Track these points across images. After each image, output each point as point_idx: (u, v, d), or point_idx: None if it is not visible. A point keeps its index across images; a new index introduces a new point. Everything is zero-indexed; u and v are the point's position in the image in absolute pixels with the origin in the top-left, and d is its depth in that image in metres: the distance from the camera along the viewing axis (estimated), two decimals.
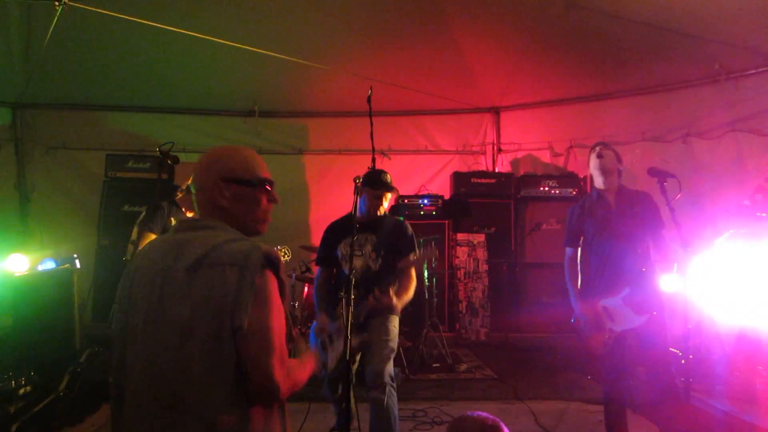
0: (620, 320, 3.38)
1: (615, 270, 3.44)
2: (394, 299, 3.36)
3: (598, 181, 3.58)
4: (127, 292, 1.71)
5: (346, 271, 3.40)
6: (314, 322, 3.59)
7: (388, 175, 3.73)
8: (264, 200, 1.83)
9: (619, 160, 3.58)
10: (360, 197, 3.45)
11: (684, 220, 3.01)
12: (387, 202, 3.71)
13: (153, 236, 3.94)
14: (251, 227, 1.82)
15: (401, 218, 3.87)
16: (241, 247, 1.63)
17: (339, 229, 3.77)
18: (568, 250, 3.78)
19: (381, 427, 3.34)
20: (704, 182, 5.97)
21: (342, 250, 3.66)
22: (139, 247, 4.04)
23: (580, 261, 3.73)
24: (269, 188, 1.84)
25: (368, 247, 3.63)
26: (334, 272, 3.82)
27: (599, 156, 3.56)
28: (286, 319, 1.72)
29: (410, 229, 3.77)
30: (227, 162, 1.79)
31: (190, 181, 1.85)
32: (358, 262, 3.54)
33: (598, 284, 3.52)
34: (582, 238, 3.71)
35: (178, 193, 4.30)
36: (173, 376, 1.55)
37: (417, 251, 3.68)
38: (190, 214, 4.26)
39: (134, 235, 4.06)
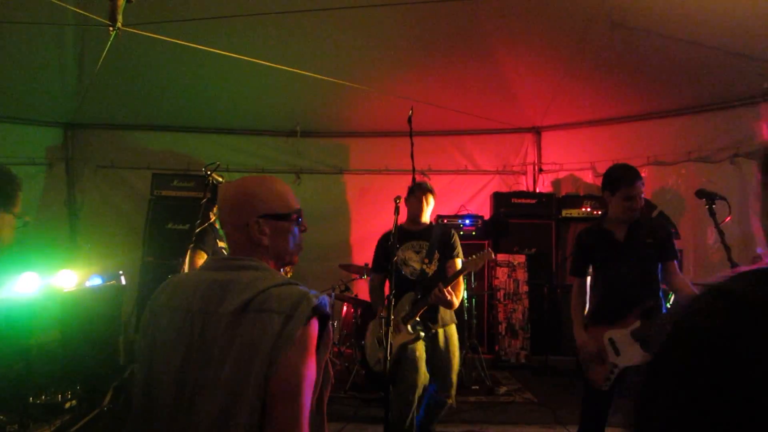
0: (626, 356, 3.21)
1: (625, 301, 3.27)
2: (455, 299, 3.80)
3: (625, 215, 3.37)
4: (152, 334, 1.65)
5: (406, 273, 3.96)
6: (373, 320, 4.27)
7: (428, 183, 4.11)
8: (298, 232, 1.82)
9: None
10: (406, 207, 4.04)
11: (733, 242, 2.92)
12: (429, 207, 4.06)
13: (205, 256, 4.11)
14: (287, 259, 1.81)
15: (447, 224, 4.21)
16: (291, 293, 1.58)
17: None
18: (576, 280, 3.60)
19: (436, 412, 4.07)
20: (754, 204, 5.79)
21: (400, 255, 3.99)
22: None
23: (589, 288, 3.56)
24: (301, 218, 1.83)
25: (422, 253, 4.00)
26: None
27: (634, 198, 3.31)
28: (326, 368, 1.68)
29: (455, 235, 4.13)
30: (263, 198, 1.75)
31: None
32: (416, 266, 3.98)
33: (606, 315, 3.35)
34: (591, 266, 3.55)
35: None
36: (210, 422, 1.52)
37: (462, 255, 4.04)
38: None
39: (189, 255, 4.17)
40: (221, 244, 4.26)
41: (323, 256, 7.13)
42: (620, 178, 3.33)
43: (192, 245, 4.05)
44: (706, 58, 5.34)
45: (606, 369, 3.26)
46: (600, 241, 3.45)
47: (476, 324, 6.41)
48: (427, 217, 4.09)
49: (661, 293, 3.33)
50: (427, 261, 3.97)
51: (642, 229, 3.36)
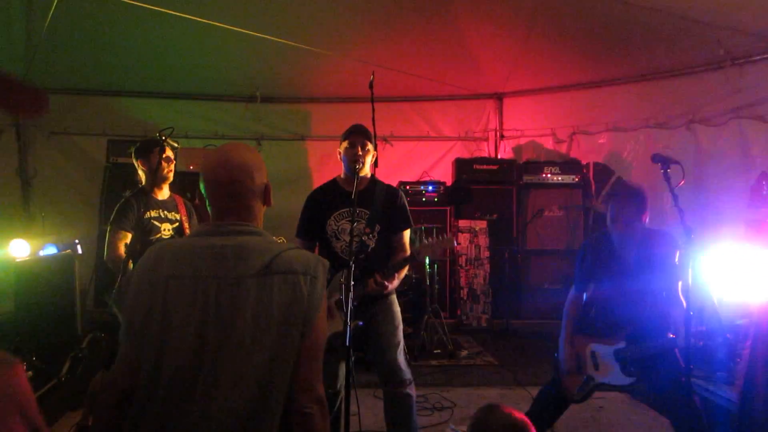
0: (604, 372, 3.23)
1: (616, 318, 3.27)
2: (396, 282, 3.25)
3: (614, 228, 3.35)
4: (160, 304, 1.60)
5: (337, 249, 3.28)
6: None
7: (364, 126, 3.37)
8: None
9: (643, 208, 3.25)
10: (342, 157, 3.35)
11: (687, 206, 2.97)
12: (369, 157, 3.30)
13: (129, 235, 3.64)
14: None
15: (392, 187, 3.50)
16: (306, 256, 1.69)
17: (325, 200, 3.37)
18: (574, 293, 3.53)
19: (404, 418, 3.28)
20: (708, 169, 5.94)
21: (332, 225, 3.30)
22: (118, 250, 3.65)
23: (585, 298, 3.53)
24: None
25: (361, 223, 3.27)
26: (316, 246, 3.48)
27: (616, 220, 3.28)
28: None
29: (403, 198, 3.45)
30: (261, 165, 1.81)
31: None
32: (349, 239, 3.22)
33: (595, 326, 3.37)
34: (591, 282, 3.47)
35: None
36: (245, 384, 1.54)
37: (412, 223, 3.45)
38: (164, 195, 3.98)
39: (108, 236, 3.69)
40: (153, 213, 3.86)
41: (285, 224, 7.03)
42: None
43: (111, 225, 3.68)
44: (664, 24, 5.38)
45: (581, 378, 3.27)
46: (604, 254, 3.41)
47: (438, 289, 6.47)
48: (367, 170, 3.32)
49: (663, 315, 3.21)
50: (368, 231, 3.28)
51: (646, 244, 3.29)
